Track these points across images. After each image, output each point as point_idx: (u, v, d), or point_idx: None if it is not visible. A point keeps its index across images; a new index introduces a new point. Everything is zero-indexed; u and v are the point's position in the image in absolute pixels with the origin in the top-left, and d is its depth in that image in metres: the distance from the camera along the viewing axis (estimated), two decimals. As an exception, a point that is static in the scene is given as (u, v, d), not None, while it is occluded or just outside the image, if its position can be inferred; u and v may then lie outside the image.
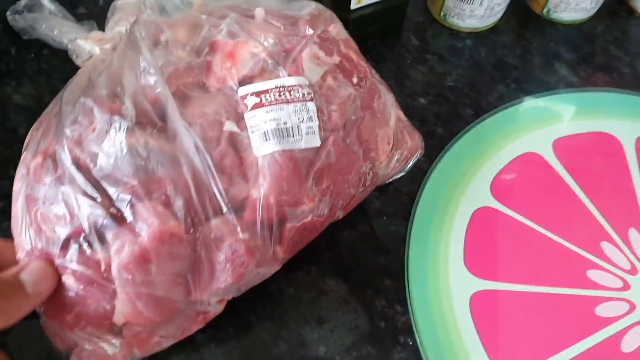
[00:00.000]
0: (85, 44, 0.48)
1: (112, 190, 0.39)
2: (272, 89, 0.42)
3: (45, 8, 0.50)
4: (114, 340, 0.41)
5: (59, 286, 0.38)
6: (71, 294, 0.39)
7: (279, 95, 0.42)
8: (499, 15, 0.63)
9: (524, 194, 0.53)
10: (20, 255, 0.39)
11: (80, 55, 0.48)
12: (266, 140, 0.41)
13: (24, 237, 0.40)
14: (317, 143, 0.43)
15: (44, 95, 0.54)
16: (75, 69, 0.46)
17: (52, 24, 0.48)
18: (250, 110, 0.42)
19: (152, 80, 0.41)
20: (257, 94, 0.42)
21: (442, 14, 0.63)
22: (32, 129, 0.44)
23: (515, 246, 0.50)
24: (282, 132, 0.42)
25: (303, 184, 0.42)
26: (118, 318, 0.39)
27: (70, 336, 0.40)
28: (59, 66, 0.55)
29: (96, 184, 0.39)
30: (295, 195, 0.42)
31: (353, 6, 0.56)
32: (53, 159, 0.40)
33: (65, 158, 0.39)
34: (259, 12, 0.46)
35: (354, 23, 0.58)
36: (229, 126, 0.41)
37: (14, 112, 0.55)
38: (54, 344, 0.40)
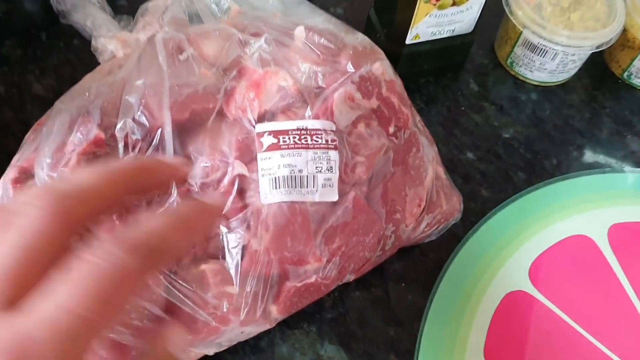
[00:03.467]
0: (109, 44, 0.44)
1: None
2: (292, 131, 0.37)
3: (86, -5, 0.46)
4: None
5: None
6: None
7: (299, 139, 0.37)
8: (572, 72, 0.56)
9: (566, 283, 0.46)
10: None
11: (102, 53, 0.45)
12: (276, 187, 0.36)
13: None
14: (334, 198, 0.38)
15: (64, 88, 0.51)
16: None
17: (88, 13, 0.46)
18: (264, 150, 0.37)
19: (157, 103, 0.37)
20: (276, 134, 0.37)
21: (509, 60, 0.56)
22: (30, 130, 0.41)
23: (545, 342, 0.43)
24: (295, 181, 0.37)
25: (310, 241, 0.38)
26: None
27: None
28: (87, 59, 0.51)
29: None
30: (299, 253, 0.37)
31: (409, 41, 0.51)
32: (30, 176, 0.36)
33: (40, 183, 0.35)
34: (299, 33, 0.41)
35: (406, 59, 0.52)
36: (238, 169, 0.37)
37: (31, 102, 0.52)
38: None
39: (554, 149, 0.54)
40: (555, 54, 0.52)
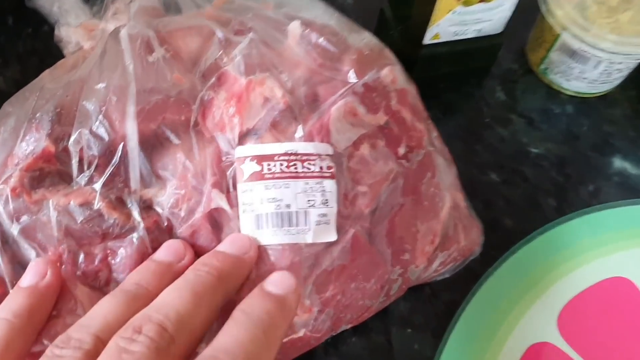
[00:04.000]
0: (74, 33, 0.38)
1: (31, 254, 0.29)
2: (279, 156, 0.30)
3: (55, -26, 0.40)
4: None
5: None
6: None
7: (287, 166, 0.30)
8: (616, 83, 0.48)
9: (601, 335, 0.39)
10: None
11: (67, 45, 0.39)
12: (258, 227, 0.30)
13: None
14: (332, 237, 0.31)
15: (29, 82, 0.44)
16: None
17: (56, -5, 0.39)
18: (245, 180, 0.30)
19: (120, 111, 0.30)
20: (259, 159, 0.30)
21: (542, 66, 0.49)
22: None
23: (576, 409, 0.37)
24: (282, 219, 0.30)
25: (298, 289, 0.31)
26: None
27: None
28: (56, 49, 0.45)
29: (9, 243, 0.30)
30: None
31: (427, 41, 0.44)
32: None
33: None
34: (294, 29, 0.34)
35: (424, 61, 0.45)
36: (216, 200, 0.30)
37: (-9, 97, 0.46)
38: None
39: (590, 172, 0.46)
40: (599, 61, 0.45)
